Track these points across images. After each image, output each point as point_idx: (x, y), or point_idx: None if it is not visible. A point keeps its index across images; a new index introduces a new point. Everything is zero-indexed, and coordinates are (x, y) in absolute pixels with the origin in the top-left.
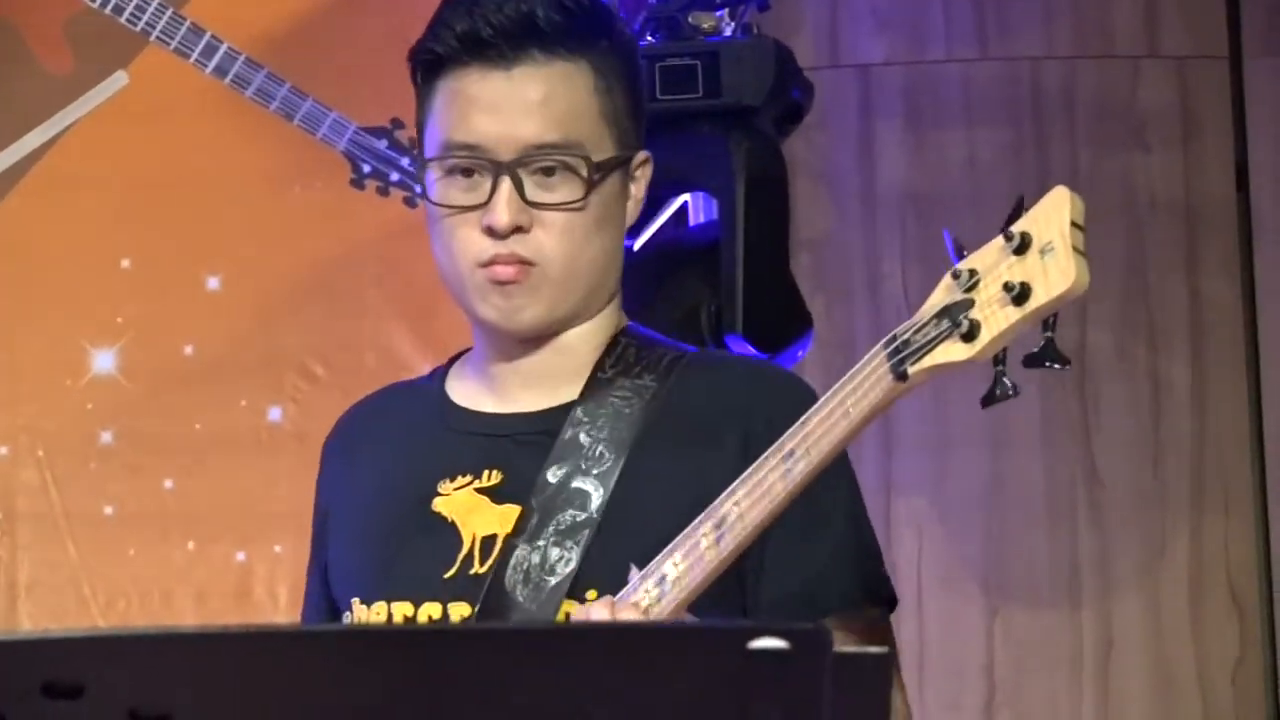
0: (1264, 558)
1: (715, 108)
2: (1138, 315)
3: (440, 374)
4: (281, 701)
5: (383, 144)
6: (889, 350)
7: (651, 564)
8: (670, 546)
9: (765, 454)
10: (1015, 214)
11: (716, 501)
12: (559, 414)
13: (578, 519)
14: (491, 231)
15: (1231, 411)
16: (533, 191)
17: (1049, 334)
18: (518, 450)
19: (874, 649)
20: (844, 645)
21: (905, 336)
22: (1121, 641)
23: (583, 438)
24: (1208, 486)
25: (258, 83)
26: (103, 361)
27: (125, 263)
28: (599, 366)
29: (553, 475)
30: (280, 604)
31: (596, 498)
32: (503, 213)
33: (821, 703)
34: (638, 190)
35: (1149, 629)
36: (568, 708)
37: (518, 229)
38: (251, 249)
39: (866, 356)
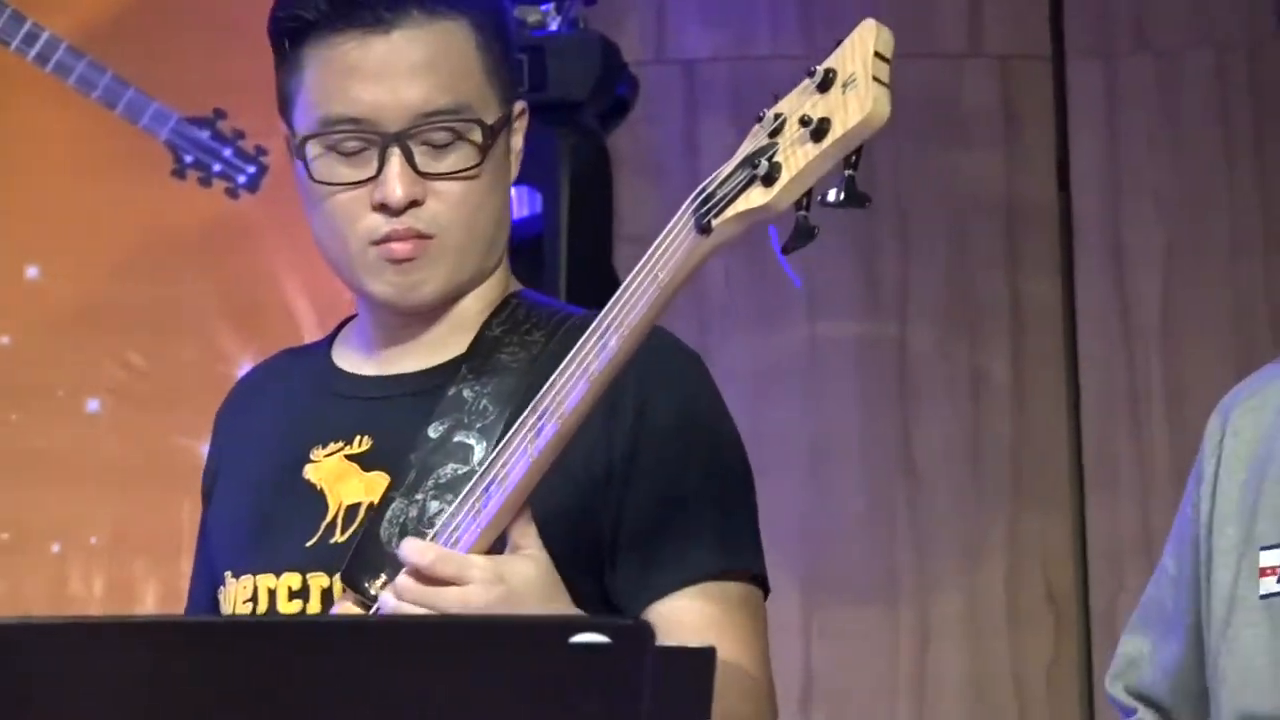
0: (1080, 556)
1: (540, 102)
2: (958, 312)
3: (330, 338)
4: (97, 694)
5: (205, 134)
6: (694, 206)
7: (481, 470)
8: (498, 449)
9: (580, 340)
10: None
11: (539, 395)
12: (444, 371)
13: (459, 472)
14: (385, 208)
15: (1050, 410)
16: (424, 162)
17: (850, 172)
18: (392, 412)
19: (696, 645)
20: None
21: (710, 190)
22: (938, 638)
23: (466, 393)
24: (1025, 484)
25: (79, 71)
26: None
27: None
28: (487, 325)
29: (434, 431)
30: (95, 595)
31: (479, 451)
32: (396, 188)
33: (643, 697)
34: (517, 142)
35: (965, 626)
36: (389, 700)
37: (412, 203)
38: (71, 239)
39: (677, 214)
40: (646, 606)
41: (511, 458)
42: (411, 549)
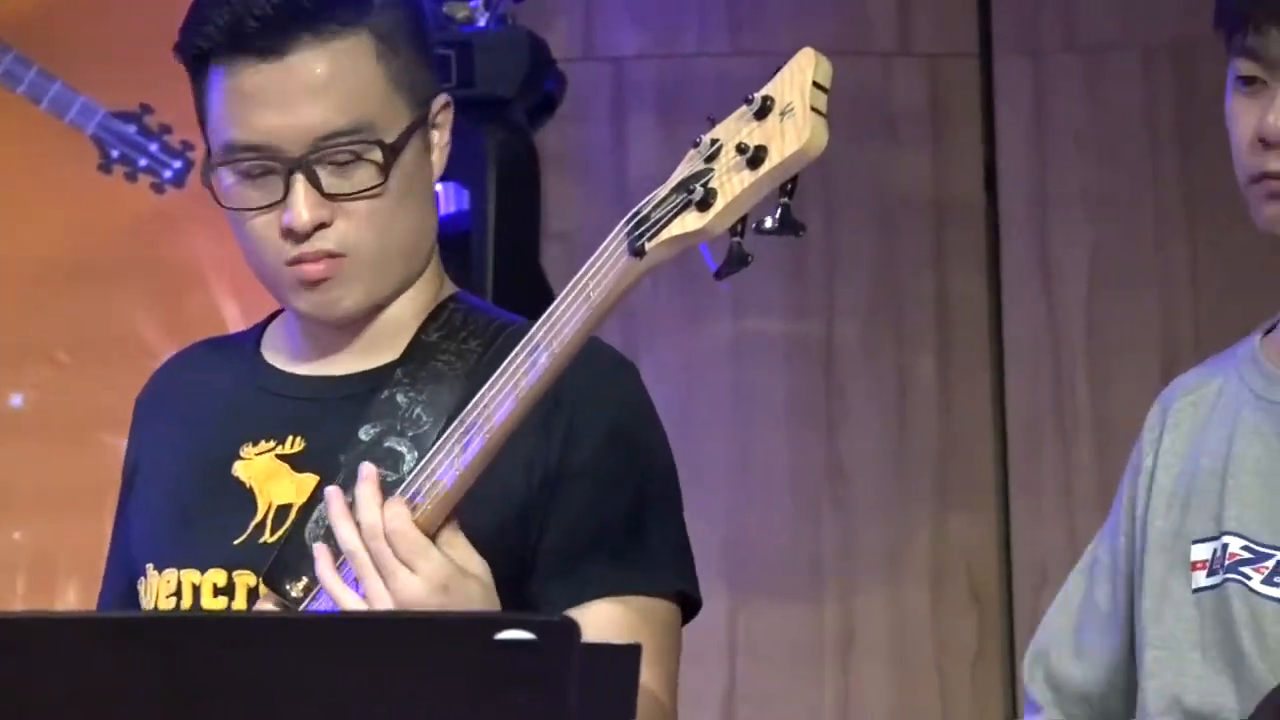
0: (1004, 552)
1: (468, 98)
2: (885, 310)
3: (258, 331)
4: (20, 689)
5: (132, 129)
6: (629, 227)
7: (407, 481)
8: (426, 458)
9: (512, 354)
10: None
11: (467, 408)
12: (378, 375)
13: (387, 479)
14: (291, 233)
15: (975, 407)
16: (330, 183)
17: (785, 200)
18: (325, 414)
19: (622, 642)
20: (610, 632)
21: (645, 212)
22: (862, 633)
23: (400, 398)
24: (950, 481)
25: (5, 65)
26: None
27: None
28: (423, 329)
29: (365, 434)
30: (19, 592)
31: (409, 460)
32: (300, 213)
33: (568, 693)
34: (441, 137)
35: (890, 621)
36: (317, 694)
37: (320, 225)
38: None
39: (609, 236)
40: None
41: (438, 470)
42: (393, 511)
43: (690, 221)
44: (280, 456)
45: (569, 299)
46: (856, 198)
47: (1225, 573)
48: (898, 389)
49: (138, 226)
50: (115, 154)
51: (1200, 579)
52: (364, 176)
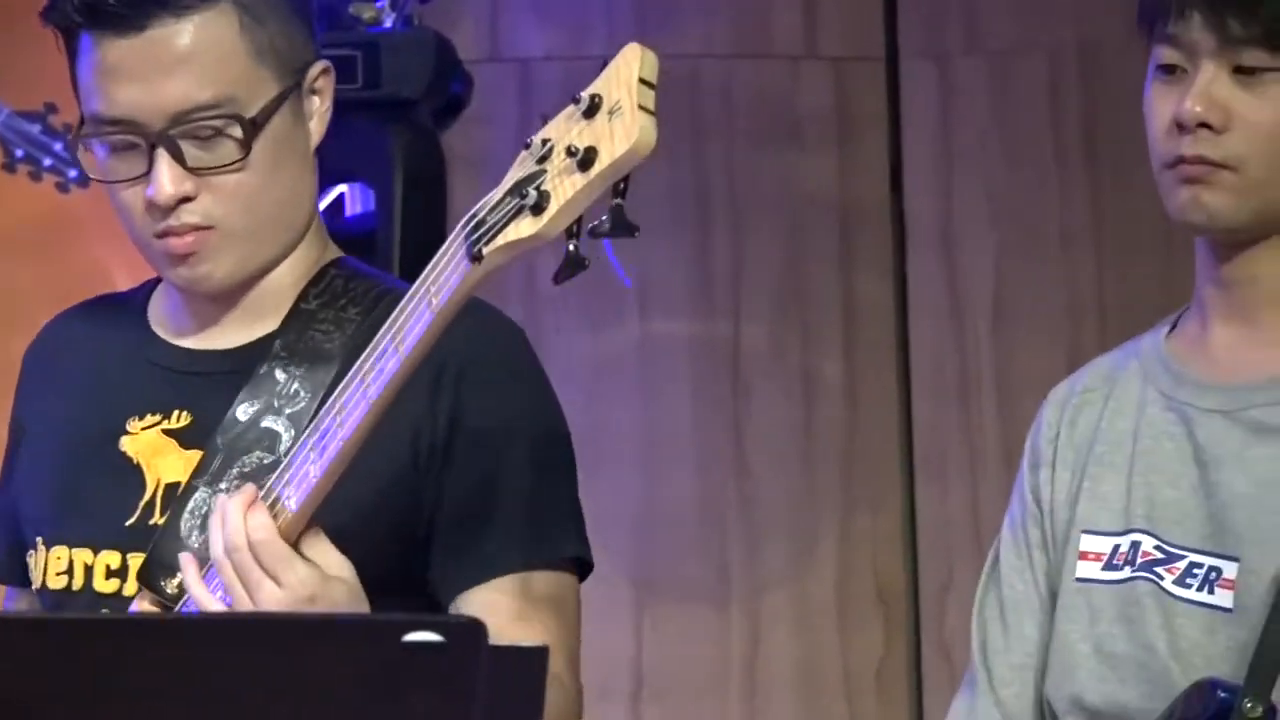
0: (911, 556)
1: (375, 99)
2: (791, 312)
3: (145, 292)
4: None
5: (36, 128)
6: (466, 231)
7: (271, 481)
8: (286, 460)
9: (361, 356)
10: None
11: (321, 412)
12: (257, 348)
13: (264, 461)
14: (155, 206)
15: (881, 409)
16: (193, 156)
17: (617, 200)
18: (210, 389)
19: (530, 643)
20: (514, 617)
21: (481, 216)
22: (769, 638)
23: (279, 373)
24: (857, 485)
25: None
26: None
27: None
28: (302, 297)
29: (243, 413)
30: None
31: (285, 440)
32: (163, 187)
33: (476, 694)
34: (322, 102)
35: (796, 626)
36: (223, 696)
37: (185, 199)
38: None
39: (449, 238)
40: (453, 599)
41: (298, 472)
42: (257, 522)
43: (525, 227)
44: (166, 431)
45: (413, 303)
46: (763, 200)
47: (1137, 570)
48: (804, 390)
49: (43, 226)
50: (20, 153)
51: (1086, 569)
52: (226, 150)
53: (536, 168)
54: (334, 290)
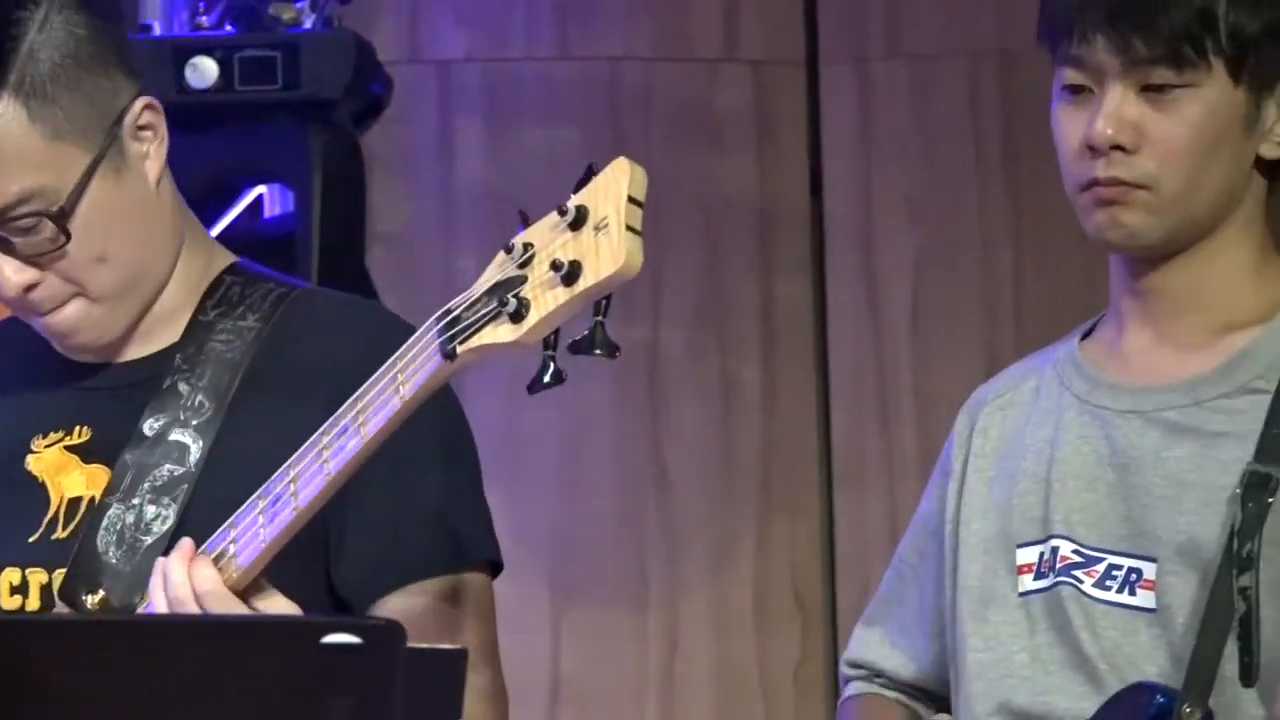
0: (828, 560)
1: (294, 100)
2: (710, 316)
3: None
4: None
5: None
6: (440, 326)
7: (215, 536)
8: (230, 520)
9: (322, 428)
10: (584, 182)
11: (274, 476)
12: (158, 361)
13: (175, 473)
14: (13, 297)
15: (800, 414)
16: (23, 244)
17: (599, 319)
18: (113, 404)
19: (448, 646)
20: (428, 621)
21: (458, 313)
22: (686, 642)
23: (182, 386)
24: (775, 489)
25: None
26: None
27: None
28: (200, 309)
29: (149, 428)
30: None
31: (195, 450)
32: (8, 280)
33: (394, 695)
34: (154, 136)
35: (714, 630)
36: (142, 698)
37: (32, 285)
38: None
39: (421, 329)
40: (372, 604)
41: (244, 534)
42: (202, 575)
43: (503, 333)
44: (69, 448)
45: (380, 385)
46: (682, 204)
47: (1056, 575)
48: (723, 394)
49: None
50: None
51: (1027, 582)
52: (43, 240)
53: (517, 273)
54: (230, 299)
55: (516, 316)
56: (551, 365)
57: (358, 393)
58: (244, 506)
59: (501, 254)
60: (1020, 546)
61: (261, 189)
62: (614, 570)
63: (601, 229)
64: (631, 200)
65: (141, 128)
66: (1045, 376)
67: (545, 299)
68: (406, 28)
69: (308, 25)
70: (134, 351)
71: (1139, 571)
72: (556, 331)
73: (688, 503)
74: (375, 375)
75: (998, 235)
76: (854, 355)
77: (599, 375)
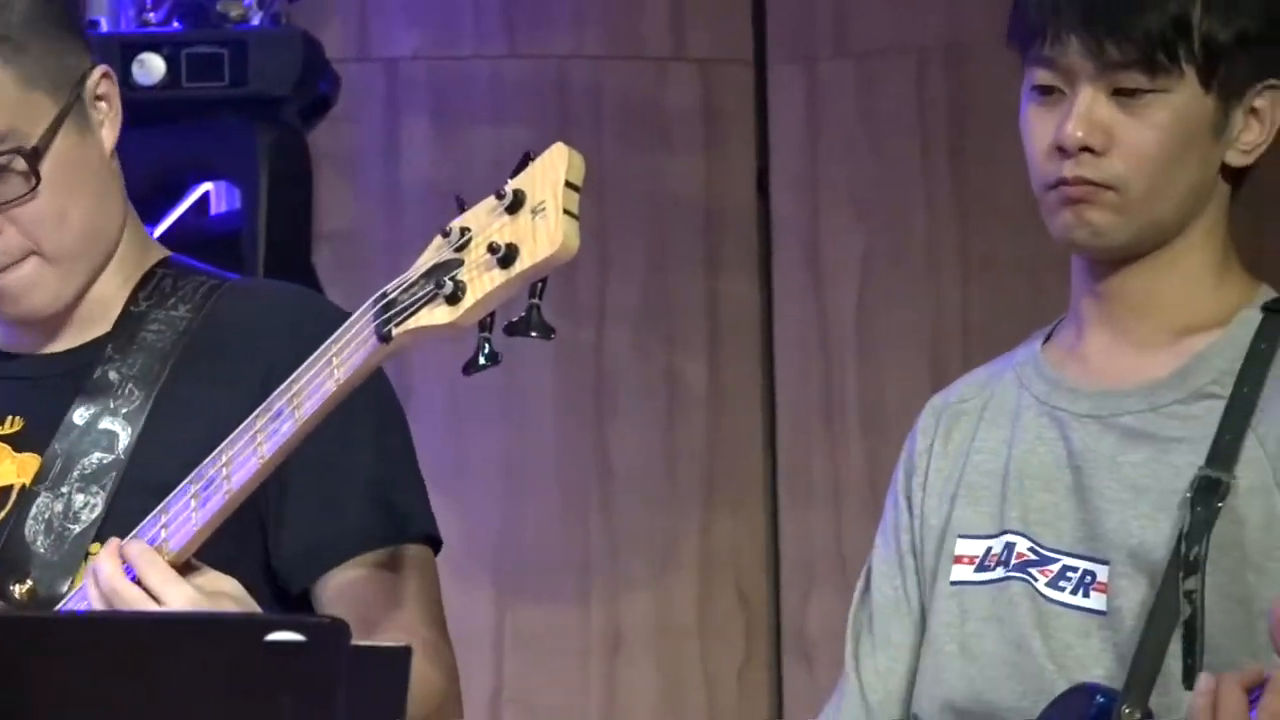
0: (773, 558)
1: (241, 97)
2: (657, 313)
3: None
4: None
5: None
6: (376, 309)
7: (145, 522)
8: (161, 506)
9: (255, 412)
10: (521, 167)
11: (207, 460)
12: (89, 351)
13: (104, 461)
14: None
15: (745, 412)
16: None
17: (535, 300)
18: (45, 394)
19: (392, 644)
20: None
21: (394, 295)
22: (630, 639)
23: (113, 375)
24: (719, 486)
25: None
26: None
27: None
28: (132, 300)
29: (79, 417)
30: None
31: (124, 438)
32: None
33: (337, 694)
34: (110, 107)
35: (658, 627)
36: (86, 695)
37: None
38: None
39: (357, 313)
40: (314, 581)
41: (174, 520)
42: (136, 549)
43: (439, 315)
44: (1, 438)
45: (314, 368)
46: (629, 201)
47: (1011, 570)
48: (668, 391)
49: None
50: None
51: (961, 572)
52: (14, 184)
53: (454, 255)
54: (163, 290)
55: (453, 299)
56: (487, 346)
57: (292, 376)
58: (175, 492)
59: (439, 237)
60: (962, 537)
61: (208, 186)
62: (558, 569)
63: (539, 212)
64: (569, 185)
65: (99, 97)
66: (1006, 379)
67: (481, 281)
68: (355, 26)
69: (255, 22)
70: (66, 342)
71: (1093, 574)
72: (493, 315)
73: (632, 501)
74: (310, 359)
75: (944, 233)
76: (800, 353)
77: (544, 373)
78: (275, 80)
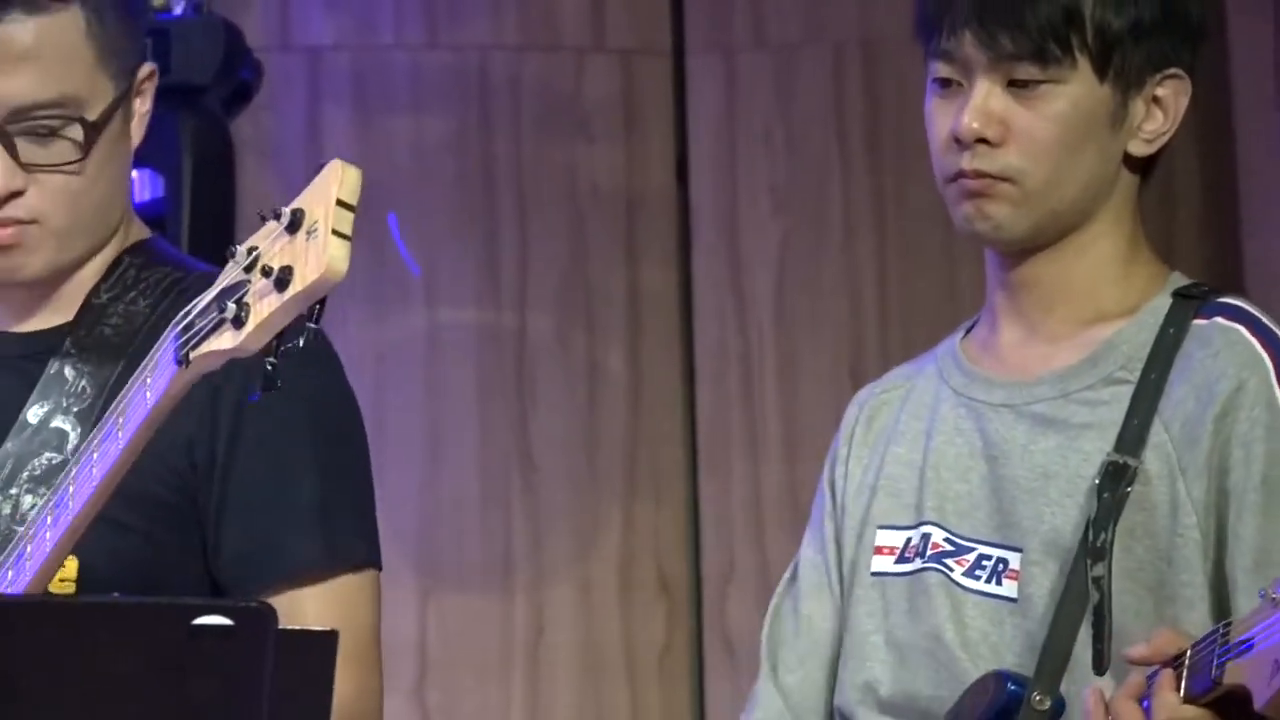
0: (694, 545)
1: (163, 86)
2: (577, 303)
3: None
4: None
5: None
6: (176, 332)
7: (11, 546)
8: (27, 524)
9: (93, 431)
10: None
11: (60, 479)
12: (50, 337)
13: (54, 462)
14: None
15: (665, 400)
16: (28, 152)
17: (312, 325)
18: (2, 378)
19: (318, 629)
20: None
21: (190, 319)
22: (552, 627)
23: (68, 371)
24: (640, 474)
25: None
26: None
27: None
28: (94, 291)
29: (34, 415)
30: None
31: (73, 438)
32: None
33: (263, 679)
34: (143, 104)
35: (579, 615)
36: (9, 680)
37: (14, 194)
38: None
39: (164, 333)
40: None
41: (36, 537)
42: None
43: (226, 340)
44: None
45: (133, 389)
46: (549, 191)
47: (926, 561)
48: (588, 381)
49: None
50: None
51: (881, 563)
52: (63, 150)
53: (242, 277)
54: (125, 282)
55: (238, 322)
56: (269, 367)
57: (118, 396)
58: (36, 509)
59: (229, 261)
60: (882, 528)
61: (132, 174)
62: (479, 553)
63: (312, 233)
64: (340, 203)
65: (140, 92)
66: (928, 372)
67: (261, 305)
68: (276, 15)
69: (177, 11)
70: (32, 324)
71: (1005, 561)
72: (280, 335)
73: (553, 486)
74: (130, 378)
75: (861, 224)
76: (718, 342)
77: (465, 359)
78: (197, 69)
